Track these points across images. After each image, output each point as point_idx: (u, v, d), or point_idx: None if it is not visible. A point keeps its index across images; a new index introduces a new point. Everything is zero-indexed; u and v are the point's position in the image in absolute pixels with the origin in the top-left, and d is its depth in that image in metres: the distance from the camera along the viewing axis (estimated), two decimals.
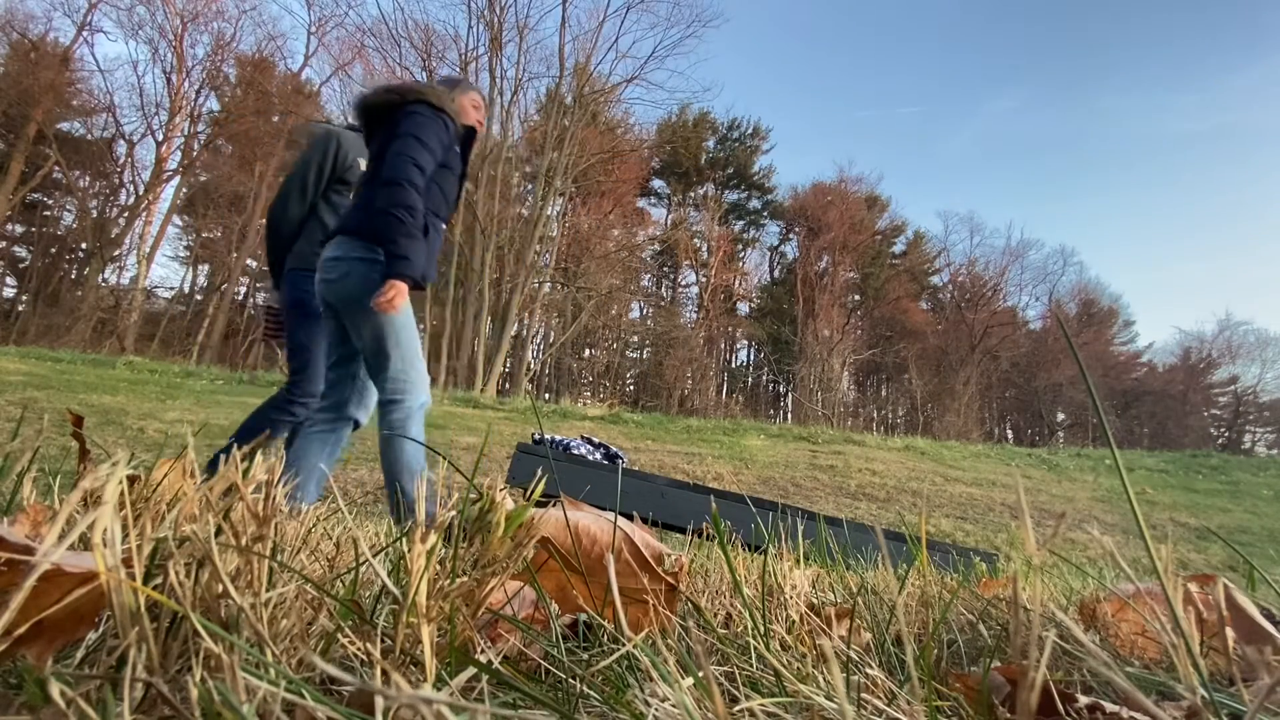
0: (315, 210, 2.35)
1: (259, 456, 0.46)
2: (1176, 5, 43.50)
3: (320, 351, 2.27)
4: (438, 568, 0.40)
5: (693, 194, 30.88)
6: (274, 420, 2.25)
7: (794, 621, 0.55)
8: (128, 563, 0.31)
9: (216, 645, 0.30)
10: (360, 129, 2.08)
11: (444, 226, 2.10)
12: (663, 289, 31.43)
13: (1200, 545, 5.86)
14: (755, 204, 31.86)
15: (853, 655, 0.48)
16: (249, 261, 22.49)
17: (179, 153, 21.43)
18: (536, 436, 4.24)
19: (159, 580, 0.34)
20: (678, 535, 2.54)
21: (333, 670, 0.21)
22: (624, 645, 0.43)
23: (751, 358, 32.83)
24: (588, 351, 28.81)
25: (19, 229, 22.15)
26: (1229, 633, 0.39)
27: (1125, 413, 28.79)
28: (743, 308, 31.29)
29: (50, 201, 22.30)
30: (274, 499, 0.37)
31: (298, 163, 2.35)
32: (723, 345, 31.08)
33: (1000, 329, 28.73)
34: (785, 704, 0.40)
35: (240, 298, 23.71)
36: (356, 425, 2.05)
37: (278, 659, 0.34)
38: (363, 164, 2.39)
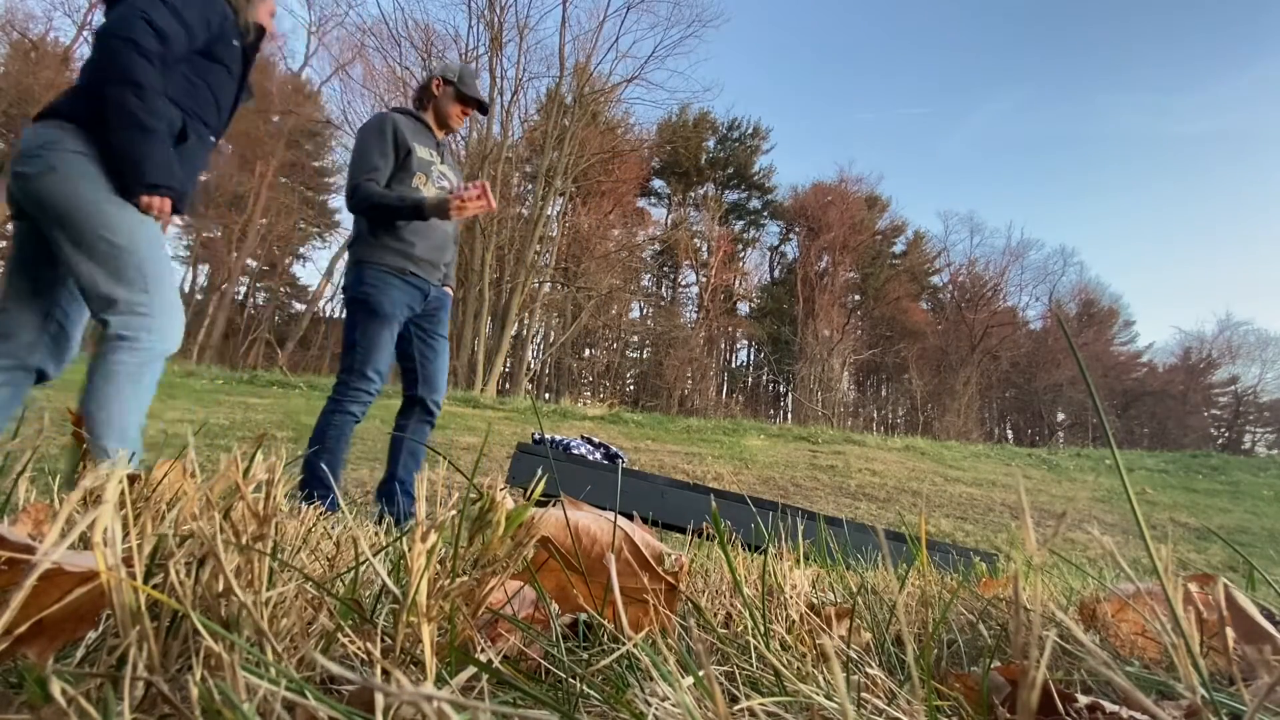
0: None
1: (259, 455, 0.46)
2: (1175, 7, 43.57)
3: (379, 353, 2.19)
4: (438, 567, 0.40)
5: (693, 194, 30.89)
6: (337, 424, 2.15)
7: (794, 621, 0.55)
8: (128, 562, 0.31)
9: (217, 644, 0.30)
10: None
11: (214, 141, 1.68)
12: (663, 289, 31.45)
13: (1200, 545, 5.87)
14: (755, 204, 31.89)
15: (853, 655, 0.48)
16: (249, 261, 22.50)
17: None
18: (536, 436, 4.24)
19: (159, 579, 0.34)
20: (678, 535, 2.54)
21: (335, 668, 0.21)
22: (624, 645, 0.43)
23: (751, 358, 32.86)
24: (588, 351, 28.82)
25: None
26: (1229, 632, 0.39)
27: (1125, 413, 28.79)
28: (743, 308, 31.32)
29: None
30: (274, 498, 0.37)
31: (357, 153, 2.21)
32: (723, 345, 31.10)
33: (1000, 329, 28.74)
34: (786, 703, 0.40)
35: (240, 297, 23.73)
36: (42, 378, 1.60)
37: (279, 657, 0.34)
38: (419, 149, 2.29)
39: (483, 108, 2.49)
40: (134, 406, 1.47)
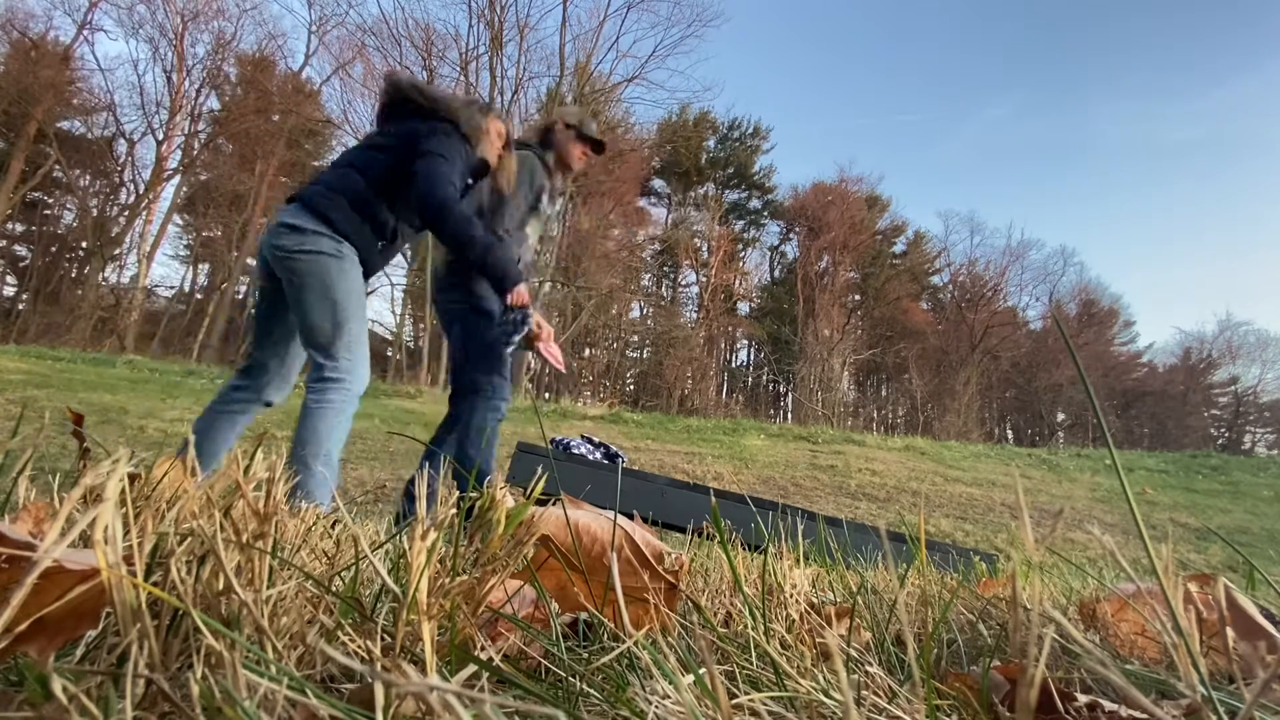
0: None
1: (259, 454, 0.46)
2: (1174, 9, 43.63)
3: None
4: (438, 565, 0.40)
5: (693, 194, 30.87)
6: (494, 425, 2.19)
7: (794, 620, 0.55)
8: (129, 560, 0.31)
9: (218, 642, 0.30)
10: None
11: (412, 231, 2.09)
12: (663, 289, 31.44)
13: (1200, 545, 5.86)
14: (755, 204, 31.87)
15: (853, 654, 0.48)
16: (249, 260, 22.47)
17: (179, 151, 21.47)
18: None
19: (160, 577, 0.34)
20: (678, 535, 2.54)
21: (340, 658, 0.21)
22: (624, 643, 0.43)
23: (751, 358, 32.85)
24: (588, 351, 28.79)
25: (19, 228, 22.15)
26: (1229, 632, 0.39)
27: (1125, 413, 28.79)
28: (743, 307, 31.31)
29: (51, 200, 22.29)
30: (275, 496, 0.37)
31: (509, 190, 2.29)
32: (723, 345, 31.09)
33: (1000, 329, 28.73)
34: (787, 700, 0.40)
35: (240, 297, 23.71)
36: (268, 405, 1.98)
37: (279, 655, 0.34)
38: (544, 200, 2.43)
39: (602, 149, 2.55)
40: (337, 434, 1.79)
